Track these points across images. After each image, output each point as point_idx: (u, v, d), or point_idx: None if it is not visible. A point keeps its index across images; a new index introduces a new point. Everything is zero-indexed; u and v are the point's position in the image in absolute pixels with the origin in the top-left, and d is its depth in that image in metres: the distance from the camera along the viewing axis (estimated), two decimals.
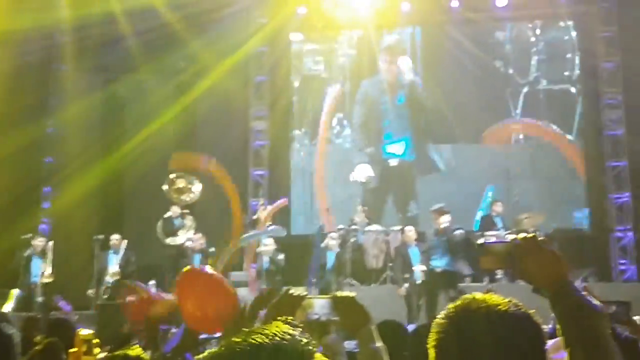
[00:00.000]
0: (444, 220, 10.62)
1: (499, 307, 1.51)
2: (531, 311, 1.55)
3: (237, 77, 14.41)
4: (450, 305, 1.57)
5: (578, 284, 1.71)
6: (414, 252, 10.73)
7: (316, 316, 2.34)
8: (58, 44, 14.18)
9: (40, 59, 13.48)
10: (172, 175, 11.64)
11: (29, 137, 12.63)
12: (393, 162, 14.19)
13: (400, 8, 14.37)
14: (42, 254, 11.19)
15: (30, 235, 11.18)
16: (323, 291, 10.96)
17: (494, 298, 1.55)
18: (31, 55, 13.04)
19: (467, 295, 1.59)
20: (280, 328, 1.14)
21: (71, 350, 2.68)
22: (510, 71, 14.33)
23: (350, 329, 2.32)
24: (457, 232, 10.71)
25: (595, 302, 1.63)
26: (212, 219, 13.07)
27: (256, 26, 14.75)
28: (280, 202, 12.53)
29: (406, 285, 10.57)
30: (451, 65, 14.35)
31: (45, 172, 13.91)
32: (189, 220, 12.06)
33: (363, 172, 13.85)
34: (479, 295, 1.57)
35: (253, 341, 1.11)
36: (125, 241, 11.67)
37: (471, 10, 14.29)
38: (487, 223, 11.92)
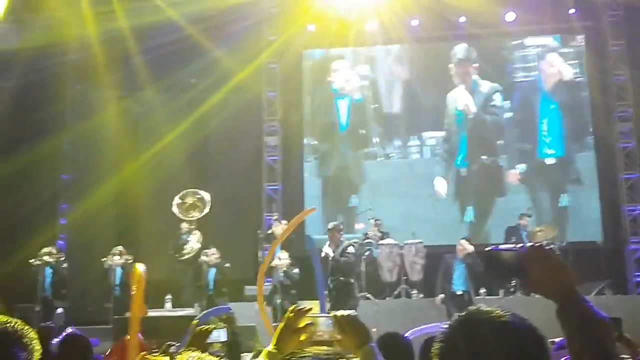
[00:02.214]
0: None
1: (503, 318, 1.52)
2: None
3: (249, 93, 14.54)
4: (456, 316, 1.59)
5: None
6: (459, 265, 10.87)
7: (320, 335, 2.39)
8: (73, 61, 14.34)
9: (55, 77, 13.59)
10: (180, 194, 11.73)
11: (45, 153, 12.75)
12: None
13: (408, 23, 14.48)
14: (58, 268, 11.26)
15: (47, 249, 11.22)
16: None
17: (497, 310, 1.56)
18: (47, 73, 13.15)
19: (471, 308, 1.60)
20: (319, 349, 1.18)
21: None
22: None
23: (352, 348, 2.36)
24: None
25: (601, 312, 1.62)
26: (224, 235, 13.13)
27: (267, 42, 14.90)
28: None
29: (442, 295, 10.79)
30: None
31: (62, 188, 14.00)
32: (196, 236, 12.10)
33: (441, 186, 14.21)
34: (483, 307, 1.59)
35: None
36: (128, 256, 11.74)
37: (479, 26, 14.39)
38: (512, 234, 12.06)
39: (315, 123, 15.04)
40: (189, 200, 12.17)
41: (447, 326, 1.56)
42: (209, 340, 3.56)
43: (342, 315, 2.41)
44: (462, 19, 14.41)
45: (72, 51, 14.28)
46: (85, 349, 4.52)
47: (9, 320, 1.66)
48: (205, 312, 10.15)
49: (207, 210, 11.96)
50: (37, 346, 1.68)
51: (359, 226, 13.76)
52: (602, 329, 1.59)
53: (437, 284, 11.10)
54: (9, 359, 1.60)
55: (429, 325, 8.87)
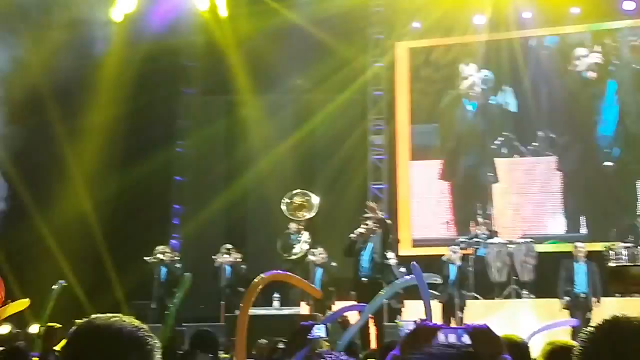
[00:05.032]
0: None
1: None
2: None
3: (354, 92, 14.59)
4: (600, 320, 1.57)
5: None
6: (580, 268, 10.48)
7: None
8: (185, 68, 14.92)
9: (168, 83, 14.19)
10: (289, 193, 11.90)
11: (160, 156, 13.34)
12: None
13: (520, 14, 14.07)
14: (171, 267, 11.70)
15: (161, 248, 11.70)
16: (445, 305, 10.87)
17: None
18: (161, 80, 13.73)
19: (617, 314, 1.57)
20: None
21: None
22: None
23: (485, 358, 2.31)
24: None
25: None
26: (331, 234, 13.23)
27: (372, 41, 14.92)
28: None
29: (566, 298, 10.45)
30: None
31: (175, 190, 14.62)
32: (304, 236, 12.23)
33: None
34: (628, 314, 1.56)
35: None
36: (237, 255, 12.02)
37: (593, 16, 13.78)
38: (630, 233, 11.54)
39: (444, 123, 14.71)
40: (298, 200, 12.31)
41: (591, 329, 1.55)
42: (309, 337, 3.59)
43: (475, 327, 2.39)
44: (576, 10, 13.84)
45: (183, 56, 14.85)
46: (214, 345, 4.82)
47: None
48: (336, 311, 10.15)
49: (314, 213, 12.06)
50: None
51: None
52: None
53: (559, 288, 10.74)
54: None
55: (550, 323, 8.52)
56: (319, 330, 3.79)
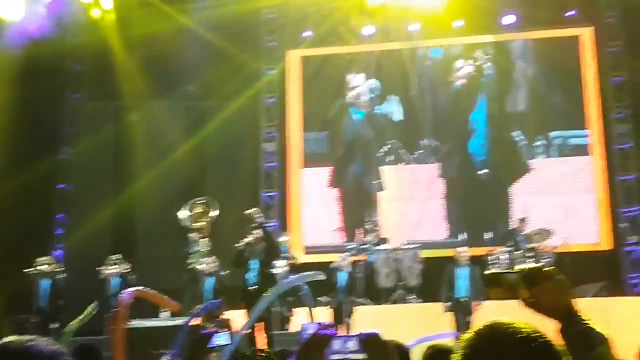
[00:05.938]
0: None
1: (525, 330, 1.53)
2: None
3: (248, 99, 14.58)
4: (479, 324, 1.60)
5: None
6: (461, 272, 10.88)
7: (339, 355, 2.33)
8: (71, 72, 14.45)
9: (53, 88, 13.70)
10: (188, 203, 11.75)
11: (43, 163, 12.86)
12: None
13: (406, 27, 14.50)
14: (54, 279, 11.30)
15: (43, 259, 11.28)
16: (336, 310, 11.02)
17: (518, 323, 1.56)
18: (45, 84, 13.25)
19: (495, 320, 1.60)
20: None
21: None
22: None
23: None
24: None
25: (600, 331, 1.67)
26: (229, 243, 13.16)
27: (264, 48, 14.97)
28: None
29: (448, 303, 10.80)
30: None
31: (59, 198, 14.12)
32: (202, 245, 12.11)
33: None
34: (504, 318, 1.60)
35: None
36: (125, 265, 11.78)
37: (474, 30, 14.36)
38: (509, 238, 12.18)
39: (334, 131, 14.97)
40: (198, 209, 12.18)
41: (470, 333, 1.57)
42: (210, 345, 3.44)
43: (367, 334, 2.42)
44: (459, 24, 14.37)
45: (70, 59, 14.38)
46: (98, 359, 4.68)
47: None
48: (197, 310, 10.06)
49: (213, 218, 11.95)
50: None
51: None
52: (603, 346, 1.64)
53: (442, 292, 11.10)
54: None
55: (435, 334, 8.77)
56: (219, 339, 3.72)
